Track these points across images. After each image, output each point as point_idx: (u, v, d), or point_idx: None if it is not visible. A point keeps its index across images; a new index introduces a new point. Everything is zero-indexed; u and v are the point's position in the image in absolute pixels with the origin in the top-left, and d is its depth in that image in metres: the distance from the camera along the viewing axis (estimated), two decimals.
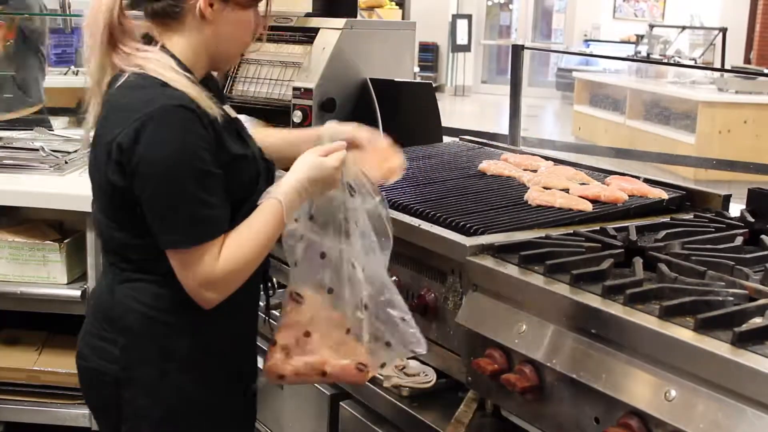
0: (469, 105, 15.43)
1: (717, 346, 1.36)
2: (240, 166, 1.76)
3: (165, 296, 1.74)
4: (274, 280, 2.23)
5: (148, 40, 1.79)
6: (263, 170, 1.84)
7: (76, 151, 3.32)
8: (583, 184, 2.37)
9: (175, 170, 1.62)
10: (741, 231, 1.99)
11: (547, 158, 2.66)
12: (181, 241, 1.66)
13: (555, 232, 1.95)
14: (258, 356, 1.97)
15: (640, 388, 1.45)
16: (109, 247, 1.81)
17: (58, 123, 4.74)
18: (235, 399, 1.87)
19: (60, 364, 3.10)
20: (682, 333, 1.41)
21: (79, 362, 1.85)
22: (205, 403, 1.81)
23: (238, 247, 1.69)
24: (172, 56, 1.74)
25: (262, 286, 1.96)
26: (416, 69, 7.64)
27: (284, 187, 1.75)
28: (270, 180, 1.86)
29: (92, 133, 1.76)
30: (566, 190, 2.30)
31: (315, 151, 1.81)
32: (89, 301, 1.91)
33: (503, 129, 3.72)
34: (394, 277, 2.09)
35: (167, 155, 1.62)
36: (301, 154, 1.82)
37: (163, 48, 1.75)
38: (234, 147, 1.75)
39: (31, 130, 3.76)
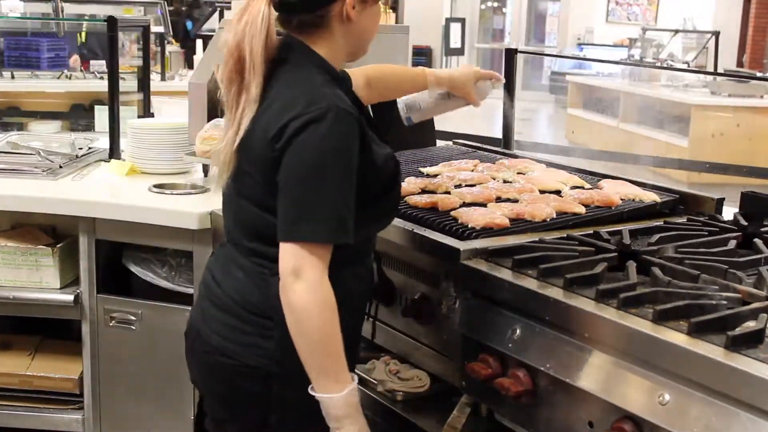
0: (463, 108, 15.42)
1: (710, 350, 1.37)
2: (382, 167, 1.80)
3: None
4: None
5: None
6: (397, 169, 1.89)
7: (78, 156, 3.33)
8: (577, 187, 2.38)
9: (329, 164, 1.66)
10: (734, 234, 1.99)
11: (540, 161, 2.66)
12: (315, 234, 1.65)
13: (548, 236, 1.95)
14: None
15: (634, 392, 1.45)
16: (256, 236, 1.78)
17: (51, 127, 4.74)
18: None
19: (53, 369, 3.09)
20: (676, 337, 1.42)
21: (222, 359, 1.80)
22: None
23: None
24: (319, 57, 1.80)
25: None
26: None
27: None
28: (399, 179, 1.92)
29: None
30: (558, 193, 2.31)
31: None
32: (220, 298, 1.83)
33: (497, 132, 3.72)
34: (387, 281, 2.09)
35: (325, 150, 1.66)
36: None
37: (309, 50, 1.80)
38: (378, 150, 1.79)
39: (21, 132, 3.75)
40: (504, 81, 2.49)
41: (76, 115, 5.35)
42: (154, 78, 5.89)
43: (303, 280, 1.64)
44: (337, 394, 1.66)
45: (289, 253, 1.66)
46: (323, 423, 1.70)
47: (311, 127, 1.65)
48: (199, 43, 7.23)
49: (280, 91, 1.74)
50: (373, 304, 2.16)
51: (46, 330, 3.28)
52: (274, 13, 1.75)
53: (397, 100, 2.45)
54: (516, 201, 2.21)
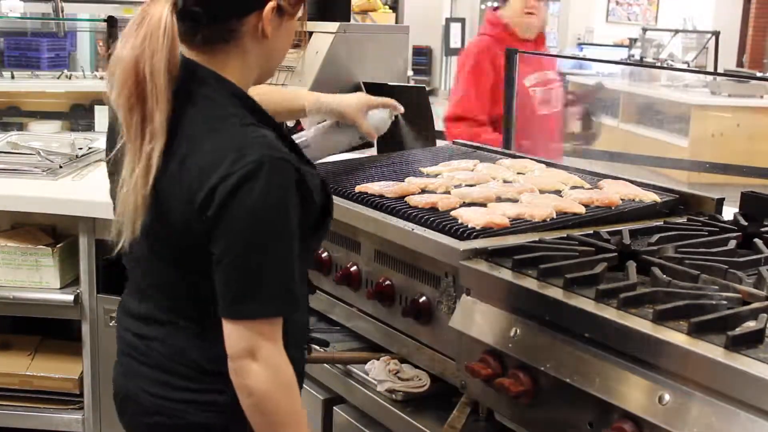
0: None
1: (710, 350, 1.37)
2: (319, 201, 1.64)
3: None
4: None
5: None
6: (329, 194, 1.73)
7: (78, 156, 3.32)
8: (577, 187, 2.38)
9: (270, 228, 1.48)
10: (734, 234, 1.99)
11: (540, 161, 2.66)
12: (266, 310, 1.51)
13: (548, 236, 1.95)
14: None
15: (634, 392, 1.45)
16: (181, 298, 1.62)
17: (52, 127, 4.74)
18: None
19: (53, 369, 3.09)
20: (676, 337, 1.42)
21: (160, 420, 1.64)
22: None
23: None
24: (230, 83, 1.58)
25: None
26: (410, 73, 7.64)
27: None
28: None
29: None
30: (558, 193, 2.31)
31: None
32: (147, 355, 1.66)
33: None
34: (388, 282, 2.09)
35: (266, 215, 1.48)
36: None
37: (218, 77, 1.57)
38: (312, 181, 1.61)
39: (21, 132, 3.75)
40: (402, 110, 2.35)
41: (76, 115, 5.34)
42: None
43: (260, 361, 1.50)
44: None
45: (238, 334, 1.50)
46: None
47: (245, 188, 1.44)
48: None
49: (195, 138, 1.50)
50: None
51: (46, 330, 3.29)
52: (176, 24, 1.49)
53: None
54: (516, 201, 2.21)
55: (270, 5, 1.56)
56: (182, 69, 1.51)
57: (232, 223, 1.47)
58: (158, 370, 1.65)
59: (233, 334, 1.50)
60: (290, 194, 1.50)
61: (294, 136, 2.26)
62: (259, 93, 1.79)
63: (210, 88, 1.55)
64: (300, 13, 1.66)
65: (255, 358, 1.50)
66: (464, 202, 2.17)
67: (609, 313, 1.52)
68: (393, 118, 2.37)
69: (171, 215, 1.52)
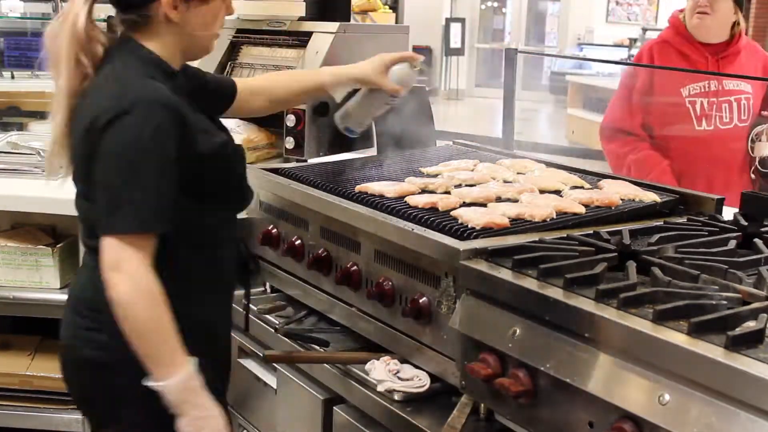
0: (463, 108, 15.44)
1: (710, 350, 1.37)
2: (213, 156, 1.87)
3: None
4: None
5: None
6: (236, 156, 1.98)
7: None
8: (577, 187, 2.38)
9: (139, 155, 1.71)
10: (734, 234, 1.99)
11: (540, 161, 2.66)
12: (129, 225, 1.70)
13: (548, 236, 1.95)
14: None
15: (634, 392, 1.45)
16: (91, 232, 1.83)
17: (46, 127, 4.73)
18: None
19: (53, 369, 3.08)
20: (676, 337, 1.41)
21: (67, 354, 1.97)
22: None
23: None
24: (148, 51, 1.85)
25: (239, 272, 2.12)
26: None
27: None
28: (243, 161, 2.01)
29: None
30: (558, 193, 2.31)
31: None
32: (69, 298, 1.99)
33: (497, 132, 3.71)
34: (388, 282, 2.09)
35: (133, 141, 1.71)
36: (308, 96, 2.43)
37: (137, 45, 1.85)
38: (206, 139, 1.85)
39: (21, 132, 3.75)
40: (423, 58, 2.38)
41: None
42: None
43: (123, 272, 1.68)
44: (171, 380, 1.71)
45: (108, 247, 1.70)
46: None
47: (119, 121, 1.70)
48: None
49: (96, 85, 1.80)
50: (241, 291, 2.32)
51: (46, 330, 3.28)
52: (95, 11, 1.83)
53: (334, 115, 2.42)
54: (516, 201, 2.21)
55: None
56: (115, 42, 1.86)
57: (106, 148, 1.71)
58: (71, 311, 1.94)
59: (104, 248, 1.70)
60: (162, 130, 1.72)
61: (339, 112, 2.41)
62: (276, 79, 2.34)
63: (125, 52, 1.84)
64: None
65: (119, 269, 1.69)
66: (464, 202, 2.17)
67: (609, 313, 1.52)
68: (416, 68, 2.35)
69: (75, 147, 1.82)
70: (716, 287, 1.60)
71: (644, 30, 12.67)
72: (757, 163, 3.27)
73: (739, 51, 3.34)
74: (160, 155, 1.72)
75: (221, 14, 1.91)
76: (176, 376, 1.72)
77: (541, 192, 2.29)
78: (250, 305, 2.44)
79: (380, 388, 2.09)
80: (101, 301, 1.74)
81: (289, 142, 2.93)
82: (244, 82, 2.27)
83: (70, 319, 1.93)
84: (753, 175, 3.31)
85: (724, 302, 1.52)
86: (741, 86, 3.30)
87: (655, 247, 1.86)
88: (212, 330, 1.98)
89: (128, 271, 1.68)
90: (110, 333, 1.75)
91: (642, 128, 3.29)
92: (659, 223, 2.14)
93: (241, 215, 2.16)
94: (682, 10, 3.41)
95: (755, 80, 3.30)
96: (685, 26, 3.34)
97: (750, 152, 3.32)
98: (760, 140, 3.28)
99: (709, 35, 3.30)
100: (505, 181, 2.41)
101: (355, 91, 2.41)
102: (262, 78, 2.39)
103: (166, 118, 1.73)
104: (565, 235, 1.95)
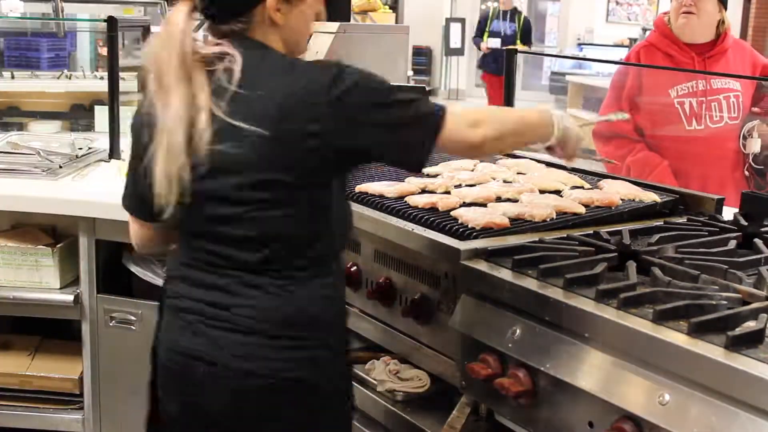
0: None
1: (710, 350, 1.37)
2: None
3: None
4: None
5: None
6: None
7: (78, 156, 3.32)
8: (577, 187, 2.38)
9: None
10: (734, 235, 1.99)
11: (540, 161, 2.66)
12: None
13: (548, 236, 1.95)
14: None
15: (634, 392, 1.45)
16: (276, 247, 1.71)
17: (52, 127, 4.74)
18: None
19: (53, 369, 3.09)
20: (676, 337, 1.42)
21: (256, 382, 1.70)
22: None
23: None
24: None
25: None
26: (410, 73, 7.63)
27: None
28: None
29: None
30: (558, 193, 2.31)
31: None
32: (233, 321, 1.72)
33: None
34: (388, 282, 2.09)
35: (379, 78, 1.74)
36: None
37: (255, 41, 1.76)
38: None
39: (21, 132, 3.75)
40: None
41: (76, 115, 5.34)
42: None
43: (481, 126, 1.76)
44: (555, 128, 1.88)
45: (458, 122, 1.73)
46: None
47: (351, 77, 1.67)
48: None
49: (258, 80, 1.67)
50: None
51: (46, 330, 3.28)
52: (196, 24, 1.74)
53: None
54: (516, 201, 2.21)
55: None
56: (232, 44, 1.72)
57: (364, 103, 1.69)
58: (252, 335, 1.70)
59: (460, 127, 1.75)
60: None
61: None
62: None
63: (254, 48, 1.73)
64: None
65: (478, 125, 1.76)
66: (464, 202, 2.17)
67: (609, 313, 1.52)
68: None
69: (279, 152, 1.67)
70: (716, 287, 1.60)
71: (644, 30, 12.65)
72: (750, 160, 3.28)
73: (726, 49, 3.33)
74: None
75: (314, 13, 1.86)
76: (554, 120, 1.88)
77: (541, 192, 2.30)
78: None
79: (380, 388, 2.09)
80: (308, 320, 1.70)
81: None
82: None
83: (247, 342, 1.71)
84: (747, 172, 3.31)
85: (724, 302, 1.52)
86: (730, 84, 3.29)
87: (655, 247, 1.86)
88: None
89: (484, 123, 1.76)
90: (320, 349, 1.72)
91: (635, 131, 3.30)
92: (659, 223, 2.14)
93: None
94: (666, 13, 3.41)
95: (742, 78, 3.29)
96: (671, 28, 3.33)
97: (742, 149, 3.31)
98: (751, 137, 3.27)
99: (695, 35, 3.30)
100: (505, 181, 2.41)
101: None
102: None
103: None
104: (565, 235, 1.95)
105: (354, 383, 2.15)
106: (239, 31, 1.73)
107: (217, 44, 1.71)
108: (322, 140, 1.62)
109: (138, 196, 1.81)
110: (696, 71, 3.25)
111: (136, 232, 1.93)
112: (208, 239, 1.73)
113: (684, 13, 3.25)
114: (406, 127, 1.70)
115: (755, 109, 3.34)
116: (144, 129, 1.76)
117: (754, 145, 3.28)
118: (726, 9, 3.31)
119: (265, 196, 1.66)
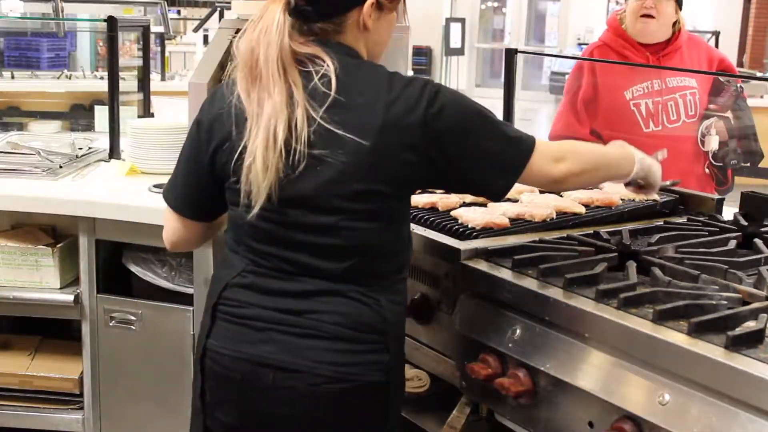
0: None
1: (710, 350, 1.37)
2: None
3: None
4: None
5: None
6: None
7: (78, 156, 3.32)
8: None
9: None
10: (734, 235, 1.99)
11: None
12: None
13: (548, 236, 1.95)
14: None
15: (634, 392, 1.45)
16: (363, 259, 1.69)
17: (52, 127, 4.74)
18: None
19: (53, 369, 3.09)
20: (676, 337, 1.42)
21: (338, 386, 1.68)
22: None
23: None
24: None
25: None
26: (410, 73, 7.64)
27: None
28: None
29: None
30: (558, 193, 2.31)
31: None
32: (313, 328, 1.69)
33: None
34: None
35: (470, 101, 1.76)
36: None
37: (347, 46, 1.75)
38: None
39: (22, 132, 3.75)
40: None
41: (76, 115, 5.35)
42: (154, 78, 5.89)
43: (564, 161, 1.76)
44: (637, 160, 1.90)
45: (547, 157, 1.74)
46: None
47: (442, 94, 1.68)
48: (199, 42, 7.23)
49: (358, 88, 1.66)
50: None
51: (46, 330, 3.28)
52: (289, 21, 1.68)
53: None
54: (516, 201, 2.21)
55: (369, 1, 1.71)
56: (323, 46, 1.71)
57: (458, 117, 1.70)
58: (332, 340, 1.68)
59: (544, 162, 1.76)
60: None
61: None
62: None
63: (343, 54, 1.72)
64: (399, 7, 1.82)
65: (561, 160, 1.77)
66: (464, 202, 2.17)
67: (609, 313, 1.52)
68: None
69: (380, 162, 1.67)
70: (716, 287, 1.60)
71: None
72: (710, 157, 3.28)
73: (680, 47, 3.28)
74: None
75: (394, 25, 1.85)
76: (636, 156, 1.91)
77: (541, 192, 2.29)
78: None
79: None
80: (387, 324, 1.70)
81: None
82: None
83: (329, 348, 1.68)
84: (707, 170, 3.30)
85: (724, 302, 1.52)
86: (685, 82, 3.26)
87: (655, 247, 1.86)
88: None
89: (567, 158, 1.77)
90: (393, 352, 1.71)
91: (591, 134, 3.25)
92: (659, 223, 2.14)
93: None
94: (619, 11, 3.34)
95: (698, 74, 3.25)
96: (625, 28, 3.28)
97: (701, 146, 3.28)
98: (710, 134, 3.25)
99: (653, 37, 3.25)
100: None
101: None
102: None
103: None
104: (565, 235, 1.95)
105: None
106: (330, 33, 1.72)
107: (304, 43, 1.69)
108: (416, 154, 1.63)
109: (191, 194, 1.81)
110: (654, 66, 3.19)
111: (176, 231, 1.88)
112: (284, 246, 1.69)
113: (643, 16, 3.20)
114: (498, 153, 1.70)
115: (712, 106, 3.32)
116: (225, 122, 1.71)
117: (713, 143, 3.27)
118: (681, 9, 3.29)
119: (361, 207, 1.64)
